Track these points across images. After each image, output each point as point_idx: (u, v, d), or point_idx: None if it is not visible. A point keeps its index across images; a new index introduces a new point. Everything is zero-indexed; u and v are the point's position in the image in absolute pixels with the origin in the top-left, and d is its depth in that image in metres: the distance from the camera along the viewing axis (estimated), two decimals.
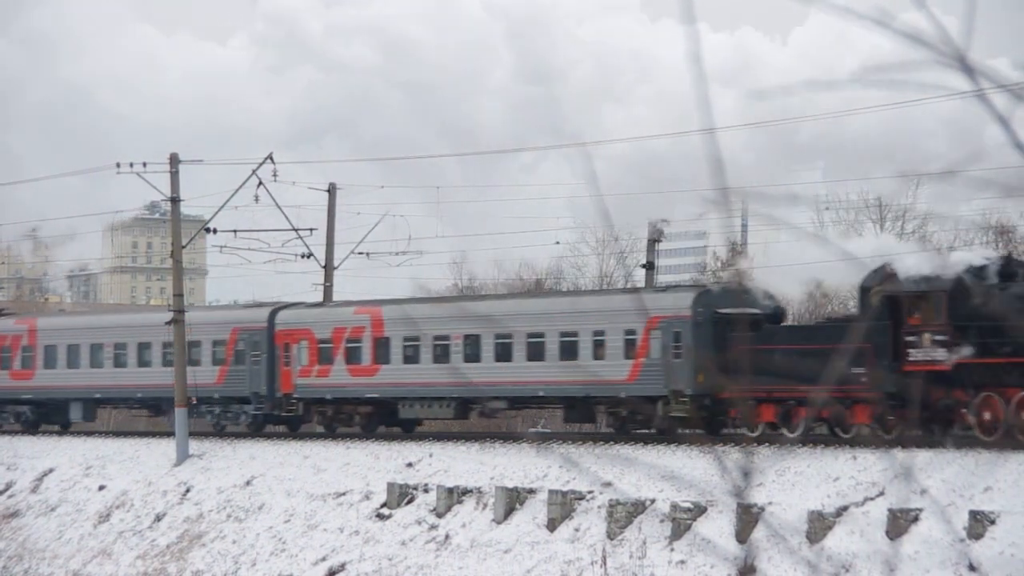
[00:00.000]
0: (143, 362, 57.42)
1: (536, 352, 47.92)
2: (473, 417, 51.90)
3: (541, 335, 47.82)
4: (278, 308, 55.12)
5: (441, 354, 49.78)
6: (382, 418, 52.31)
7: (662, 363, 45.26)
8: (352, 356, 51.86)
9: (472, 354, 49.11)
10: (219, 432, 55.77)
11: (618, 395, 46.23)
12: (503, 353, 48.57)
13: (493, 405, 49.61)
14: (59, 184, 61.98)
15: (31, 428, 59.93)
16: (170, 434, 55.02)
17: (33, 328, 61.28)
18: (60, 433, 59.99)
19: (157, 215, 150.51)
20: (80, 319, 62.68)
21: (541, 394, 48.30)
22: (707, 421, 44.20)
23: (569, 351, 47.27)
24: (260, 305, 59.78)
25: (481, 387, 48.52)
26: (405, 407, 50.72)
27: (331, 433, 53.00)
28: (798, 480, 38.67)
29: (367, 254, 64.47)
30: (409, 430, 52.42)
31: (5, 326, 62.41)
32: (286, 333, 53.66)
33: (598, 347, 46.80)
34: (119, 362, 58.19)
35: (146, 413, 61.72)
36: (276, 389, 53.53)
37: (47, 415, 61.01)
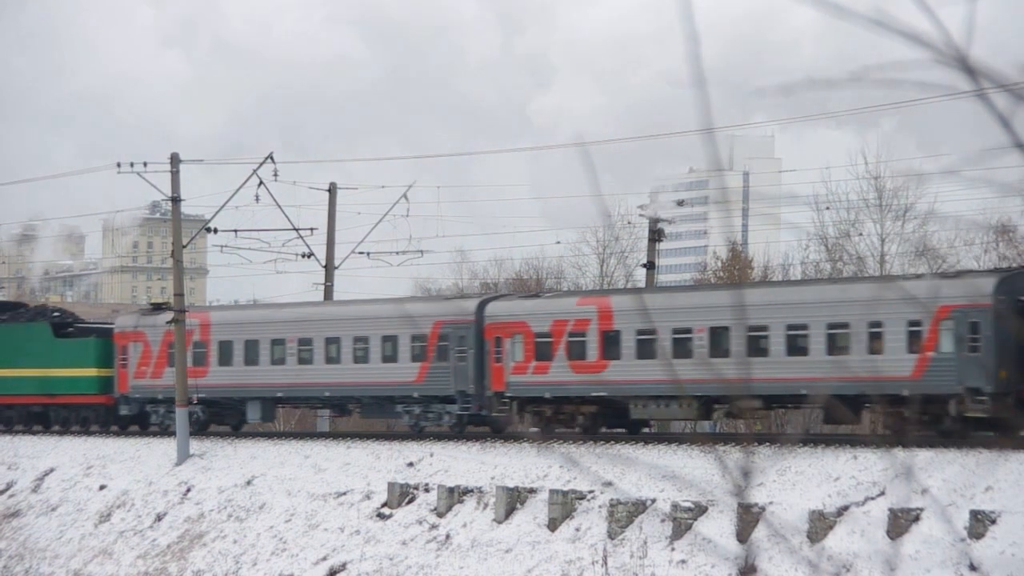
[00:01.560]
0: (330, 358, 53.13)
1: (797, 346, 43.93)
2: (717, 417, 48.26)
3: (804, 327, 43.78)
4: (488, 299, 51.31)
5: (681, 348, 45.62)
6: (607, 419, 48.46)
7: (955, 358, 41.19)
8: (575, 351, 47.71)
9: (719, 348, 44.92)
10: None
11: (899, 393, 41.63)
12: (757, 347, 44.37)
13: (744, 404, 45.53)
14: (60, 183, 62.21)
15: (200, 429, 55.73)
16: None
17: (206, 323, 56.75)
18: (61, 433, 59.97)
19: (158, 215, 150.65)
20: (258, 313, 58.28)
21: (804, 392, 43.83)
22: (1010, 423, 40.54)
23: (838, 345, 43.24)
24: (466, 296, 56.89)
25: (730, 385, 43.65)
26: (637, 407, 46.80)
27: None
28: (799, 480, 38.68)
29: (367, 254, 64.54)
30: (635, 431, 48.58)
31: None
32: (497, 326, 49.41)
33: (874, 340, 42.59)
34: (303, 358, 53.82)
35: (328, 413, 58.17)
36: (485, 387, 49.42)
37: (219, 415, 57.26)
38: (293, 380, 53.96)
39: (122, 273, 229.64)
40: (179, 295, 55.17)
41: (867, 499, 36.80)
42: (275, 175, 56.97)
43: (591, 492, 41.17)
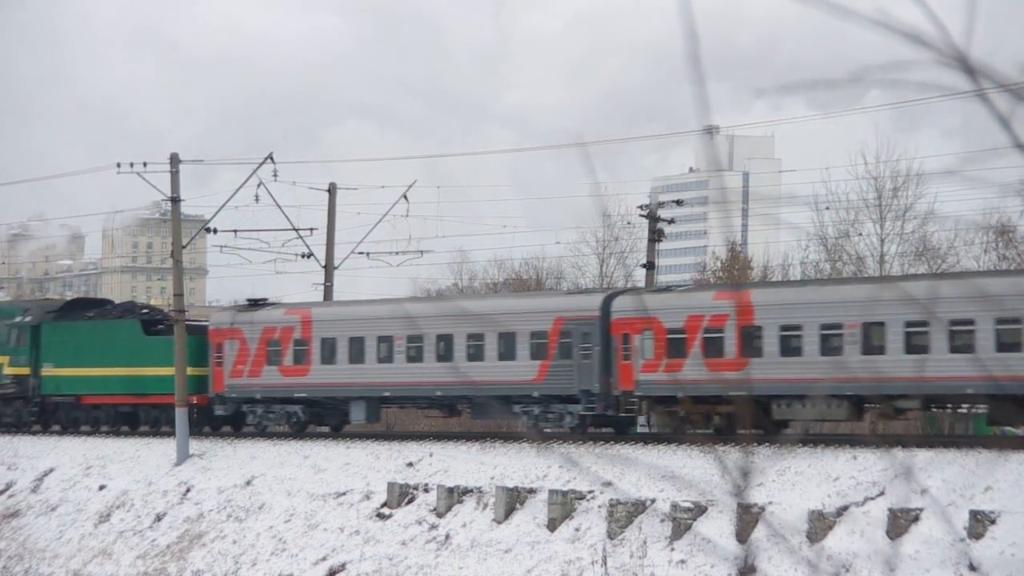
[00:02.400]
0: (442, 356, 50.42)
1: (963, 342, 41.37)
2: (870, 418, 45.83)
3: (970, 322, 41.24)
4: (614, 294, 49.28)
5: (829, 345, 43.61)
6: (745, 419, 45.52)
7: None
8: (711, 348, 45.32)
9: (873, 344, 42.70)
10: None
11: None
12: (915, 343, 42.02)
13: (901, 404, 43.18)
14: (61, 183, 62.29)
15: (300, 431, 53.84)
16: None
17: (307, 319, 54.13)
18: (61, 433, 59.94)
19: (158, 215, 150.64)
20: (365, 309, 55.14)
21: (970, 391, 41.66)
22: None
23: (1006, 341, 40.72)
24: (590, 291, 54.76)
25: (887, 383, 42.00)
26: (781, 406, 44.51)
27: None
28: (798, 480, 38.68)
29: (367, 254, 64.53)
30: (775, 432, 45.61)
31: (274, 317, 55.02)
32: (625, 322, 46.96)
33: None
34: (412, 357, 51.20)
35: (438, 413, 55.70)
36: (612, 386, 47.02)
37: (320, 416, 55.01)
38: (402, 379, 51.60)
39: (122, 273, 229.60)
40: (179, 295, 55.17)
41: (867, 499, 36.80)
42: (275, 175, 57.01)
43: (591, 492, 41.17)
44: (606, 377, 47.08)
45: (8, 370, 60.02)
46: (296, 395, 53.78)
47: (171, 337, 55.61)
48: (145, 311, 61.97)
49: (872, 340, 42.74)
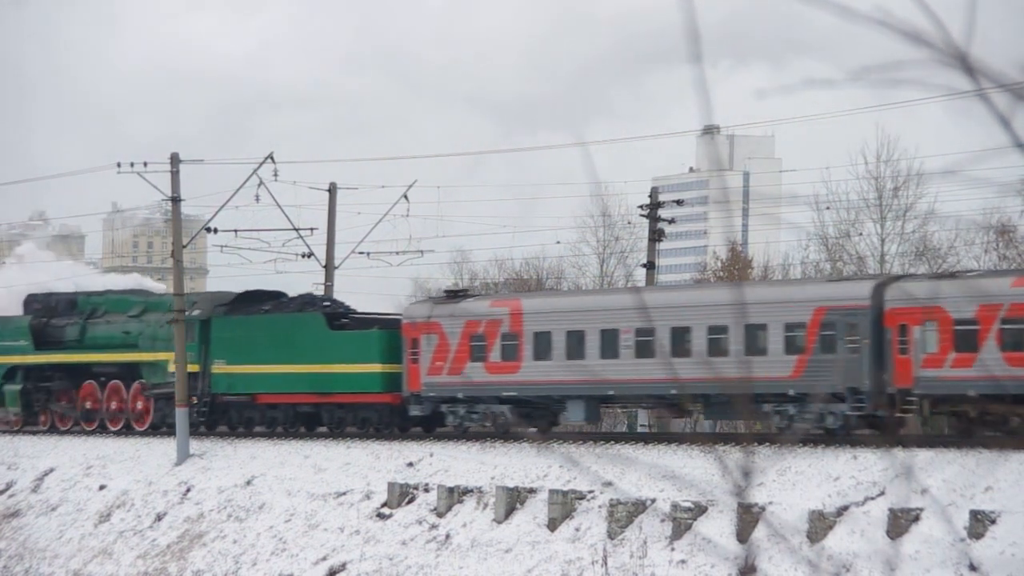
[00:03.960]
0: (677, 351, 45.80)
1: None
2: None
3: None
4: (886, 280, 44.63)
5: None
6: None
7: None
8: (1009, 340, 40.50)
9: None
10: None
11: None
12: None
13: None
14: (61, 183, 62.02)
15: (504, 432, 48.65)
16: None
17: (517, 311, 49.47)
18: (61, 432, 59.89)
19: (158, 215, 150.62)
20: (585, 300, 51.33)
21: None
22: None
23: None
24: (856, 278, 50.80)
25: None
26: None
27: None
28: (799, 480, 38.69)
29: (367, 254, 64.53)
30: None
31: (478, 309, 50.43)
32: (902, 312, 42.25)
33: None
34: (642, 351, 46.72)
35: (667, 413, 51.82)
36: (885, 383, 42.37)
37: (529, 416, 49.91)
38: (629, 376, 46.70)
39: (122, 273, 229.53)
40: (179, 295, 55.17)
41: (867, 499, 36.81)
42: (275, 175, 57.02)
43: (591, 492, 41.17)
44: (878, 373, 42.44)
45: (174, 367, 55.40)
46: (504, 394, 49.12)
47: (358, 331, 52.72)
48: (327, 303, 56.96)
49: None
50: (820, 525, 36.34)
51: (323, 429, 53.77)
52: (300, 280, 66.46)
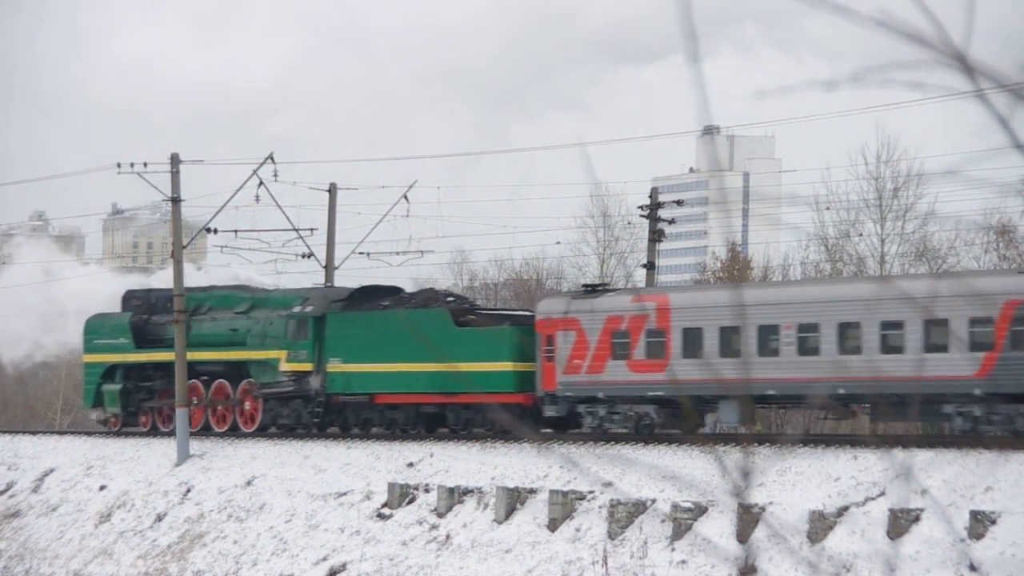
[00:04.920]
0: (845, 348, 43.14)
1: None
2: None
3: None
4: None
5: None
6: None
7: None
8: None
9: None
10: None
11: None
12: None
13: None
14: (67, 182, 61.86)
15: (648, 433, 46.46)
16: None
17: (665, 306, 46.83)
18: (61, 433, 59.82)
19: (157, 215, 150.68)
20: (740, 294, 48.54)
21: None
22: None
23: None
24: None
25: None
26: None
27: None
28: (799, 480, 38.68)
29: (368, 254, 64.52)
30: None
31: (619, 304, 47.87)
32: None
33: None
34: (805, 348, 44.11)
35: (828, 413, 49.12)
36: None
37: (675, 416, 47.09)
38: (790, 375, 43.93)
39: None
40: (179, 295, 55.18)
41: (867, 499, 36.81)
42: (275, 175, 57.02)
43: (591, 492, 41.17)
44: None
45: (286, 366, 53.21)
46: (649, 393, 46.56)
47: (491, 328, 50.15)
48: (451, 299, 54.40)
49: None
50: (820, 525, 36.33)
51: (444, 430, 50.85)
52: (300, 280, 66.45)
